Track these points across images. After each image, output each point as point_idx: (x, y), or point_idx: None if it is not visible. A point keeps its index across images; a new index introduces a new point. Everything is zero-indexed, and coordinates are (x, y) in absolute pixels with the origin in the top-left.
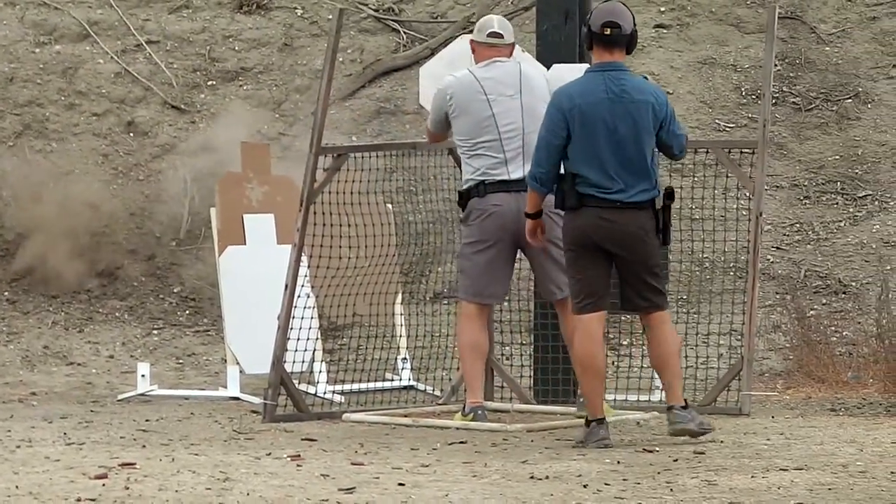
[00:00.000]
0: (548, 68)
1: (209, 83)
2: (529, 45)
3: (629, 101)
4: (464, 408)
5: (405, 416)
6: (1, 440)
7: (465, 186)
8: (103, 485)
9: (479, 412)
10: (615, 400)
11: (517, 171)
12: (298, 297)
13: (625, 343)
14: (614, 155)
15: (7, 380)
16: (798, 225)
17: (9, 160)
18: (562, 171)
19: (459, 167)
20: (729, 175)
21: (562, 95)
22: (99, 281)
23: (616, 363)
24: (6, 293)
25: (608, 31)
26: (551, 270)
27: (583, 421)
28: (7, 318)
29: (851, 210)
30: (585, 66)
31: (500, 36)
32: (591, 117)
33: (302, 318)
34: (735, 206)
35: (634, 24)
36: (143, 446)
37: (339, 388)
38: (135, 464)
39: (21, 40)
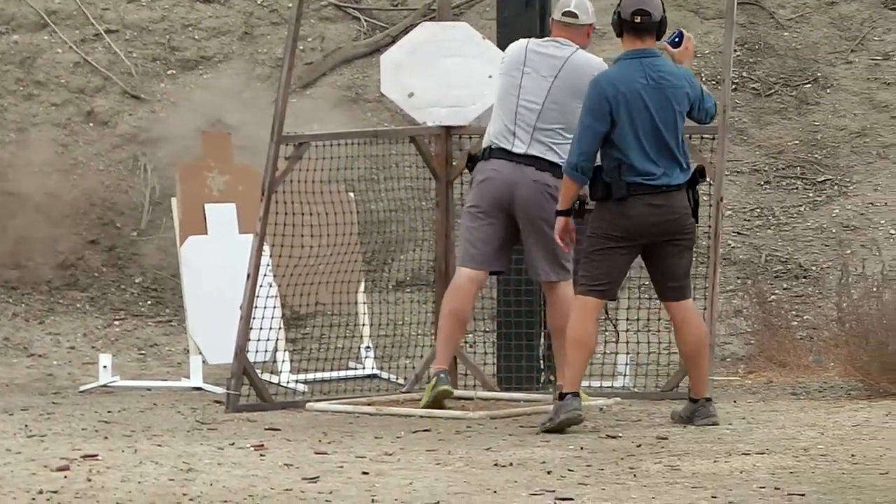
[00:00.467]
0: None
1: (169, 72)
2: (490, 32)
3: (668, 86)
4: (429, 377)
5: (369, 404)
6: None
7: (483, 146)
8: (65, 477)
9: (442, 375)
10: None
11: (520, 146)
12: (260, 286)
13: None
14: (656, 141)
15: None
16: (759, 210)
17: None
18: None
19: (422, 155)
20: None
21: (604, 82)
22: (59, 272)
23: None
24: None
25: (639, 19)
26: (544, 251)
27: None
28: None
29: (811, 195)
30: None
31: (574, 16)
32: (634, 104)
33: (264, 307)
34: (701, 190)
35: (664, 11)
36: (106, 438)
37: (302, 377)
38: (97, 455)
39: None
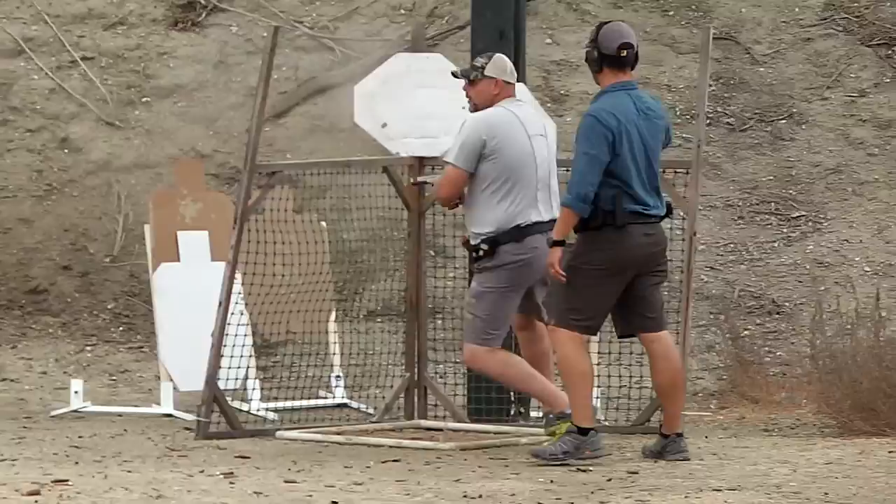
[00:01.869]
0: None
1: (143, 100)
2: (465, 64)
3: (653, 117)
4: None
5: (338, 433)
6: None
7: (490, 231)
8: (36, 501)
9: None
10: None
11: (547, 212)
12: (232, 314)
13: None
14: (647, 171)
15: None
16: (732, 245)
17: None
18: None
19: (394, 185)
20: (663, 194)
21: (604, 114)
22: (32, 297)
23: None
24: None
25: (625, 53)
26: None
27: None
28: None
29: (785, 230)
30: (521, 85)
31: (514, 76)
32: (632, 135)
33: (235, 335)
34: (669, 225)
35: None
36: (76, 463)
37: (272, 405)
38: (68, 480)
39: None
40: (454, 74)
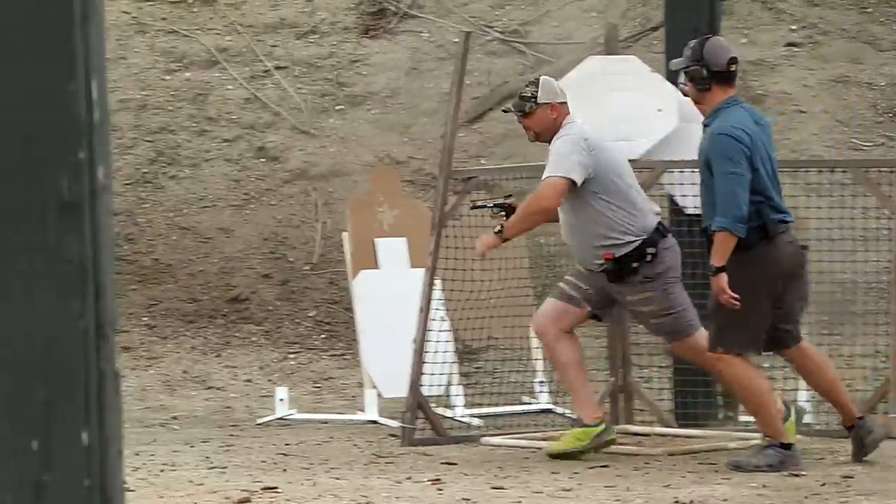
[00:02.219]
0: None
1: (337, 108)
2: (659, 65)
3: (766, 126)
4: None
5: (544, 439)
6: (145, 464)
7: (643, 235)
8: None
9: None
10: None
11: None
12: (433, 320)
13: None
14: (776, 179)
15: (148, 404)
16: None
17: (143, 187)
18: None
19: None
20: (867, 194)
21: (737, 132)
22: (234, 306)
23: None
24: (145, 319)
25: (734, 67)
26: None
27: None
28: (146, 343)
29: None
30: None
31: (566, 95)
32: (762, 147)
33: (437, 341)
34: (875, 225)
35: None
36: (284, 470)
37: (476, 411)
38: (277, 488)
39: (152, 68)
40: (505, 111)
